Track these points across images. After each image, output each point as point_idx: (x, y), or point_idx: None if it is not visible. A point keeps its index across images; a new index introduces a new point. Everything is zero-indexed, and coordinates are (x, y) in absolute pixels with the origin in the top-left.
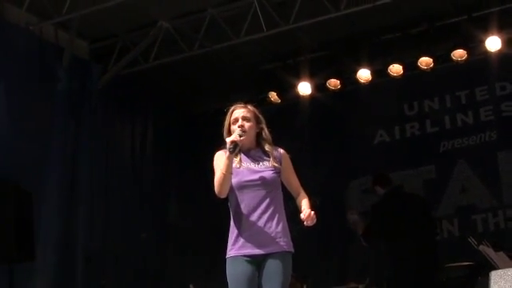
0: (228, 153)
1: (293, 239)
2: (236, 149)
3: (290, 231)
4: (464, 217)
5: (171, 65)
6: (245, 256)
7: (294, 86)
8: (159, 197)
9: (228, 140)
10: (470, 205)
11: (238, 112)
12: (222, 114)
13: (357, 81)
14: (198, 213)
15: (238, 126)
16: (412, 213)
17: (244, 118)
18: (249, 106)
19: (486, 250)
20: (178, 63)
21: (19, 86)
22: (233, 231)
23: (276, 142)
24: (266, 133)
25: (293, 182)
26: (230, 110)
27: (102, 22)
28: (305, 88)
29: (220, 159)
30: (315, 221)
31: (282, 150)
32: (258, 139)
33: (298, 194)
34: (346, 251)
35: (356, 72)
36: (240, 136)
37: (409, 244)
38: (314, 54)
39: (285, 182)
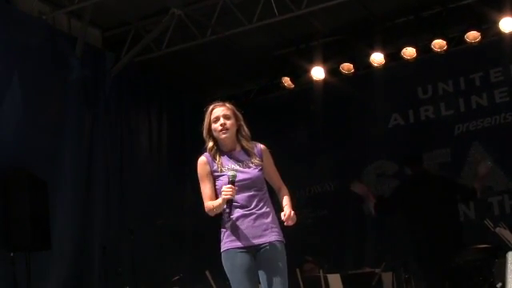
0: (225, 213)
1: (307, 225)
2: (232, 204)
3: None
4: (480, 199)
5: (184, 52)
6: (239, 248)
7: (308, 71)
8: (175, 183)
9: (225, 197)
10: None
11: (218, 110)
12: (236, 99)
13: (370, 65)
14: None
15: (220, 125)
16: (434, 196)
17: (225, 117)
18: (227, 104)
19: (503, 232)
20: (190, 50)
21: (33, 76)
22: (224, 228)
23: (290, 128)
24: (244, 129)
25: (273, 176)
26: (210, 109)
27: (115, 10)
28: (318, 73)
29: (203, 169)
30: (295, 220)
31: (261, 146)
32: (237, 136)
33: (280, 189)
34: (362, 236)
35: (369, 56)
36: (232, 182)
37: (428, 227)
38: (326, 38)
39: (266, 177)
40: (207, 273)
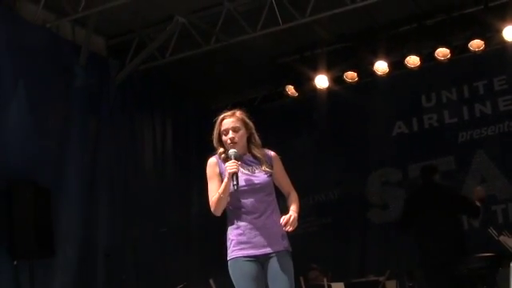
0: (232, 186)
1: (312, 233)
2: (238, 177)
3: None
4: (484, 208)
5: (188, 59)
6: (247, 257)
7: (311, 79)
8: (179, 191)
9: (229, 171)
10: (489, 195)
11: (228, 122)
12: (240, 107)
13: (374, 73)
14: None
15: (229, 139)
16: (438, 206)
17: (234, 129)
18: (237, 114)
19: (507, 240)
20: (194, 58)
21: (37, 84)
22: (232, 234)
23: (294, 136)
24: (255, 138)
25: (283, 183)
26: (219, 120)
27: (119, 18)
28: (322, 81)
29: (212, 168)
30: (295, 226)
31: (272, 153)
32: (248, 144)
33: (289, 194)
34: (366, 244)
35: (373, 64)
36: (236, 158)
37: (431, 236)
38: (330, 46)
39: (276, 183)
40: (211, 281)
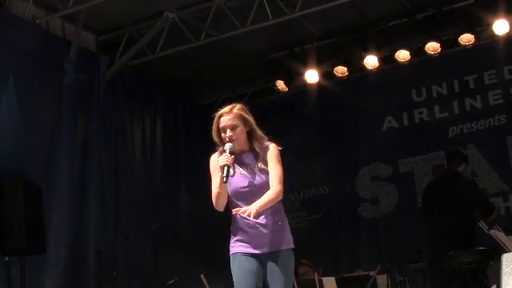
0: (224, 179)
1: (302, 228)
2: (230, 171)
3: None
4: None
5: (178, 55)
6: (247, 254)
7: (302, 74)
8: (170, 187)
9: (220, 164)
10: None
11: (225, 120)
12: (231, 103)
13: (364, 68)
14: (209, 203)
15: (228, 137)
16: (451, 198)
17: (231, 127)
18: (235, 110)
19: (497, 234)
20: (184, 53)
21: (27, 80)
22: (234, 229)
23: (284, 131)
24: (257, 132)
25: (271, 173)
26: (217, 116)
27: (109, 14)
28: (312, 76)
29: (214, 164)
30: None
31: (267, 144)
32: (250, 139)
33: (271, 187)
34: (357, 239)
35: (363, 59)
36: (230, 153)
37: (440, 229)
38: (320, 41)
39: None
40: (202, 276)
